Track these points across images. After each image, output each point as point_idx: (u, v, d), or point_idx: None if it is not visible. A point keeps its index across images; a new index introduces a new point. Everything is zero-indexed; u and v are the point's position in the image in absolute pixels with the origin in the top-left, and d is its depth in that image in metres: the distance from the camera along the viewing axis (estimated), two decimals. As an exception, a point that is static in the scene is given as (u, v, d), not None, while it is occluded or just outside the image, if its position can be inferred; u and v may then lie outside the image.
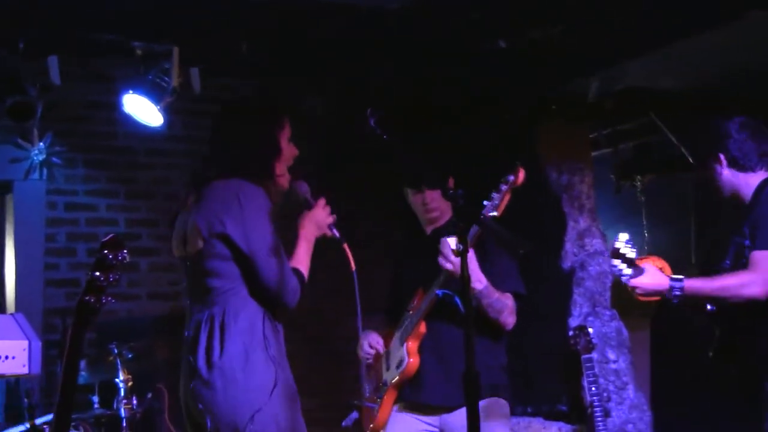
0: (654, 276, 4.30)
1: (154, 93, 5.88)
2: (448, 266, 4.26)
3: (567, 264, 7.23)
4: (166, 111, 6.03)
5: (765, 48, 6.04)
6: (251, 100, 4.09)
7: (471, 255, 4.08)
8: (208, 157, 3.99)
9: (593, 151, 7.80)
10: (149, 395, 5.97)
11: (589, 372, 6.06)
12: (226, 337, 3.68)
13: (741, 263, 4.32)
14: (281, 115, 3.99)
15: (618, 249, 4.28)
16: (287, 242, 3.89)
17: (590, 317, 7.05)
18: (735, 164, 4.45)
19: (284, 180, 3.97)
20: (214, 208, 3.74)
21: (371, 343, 4.77)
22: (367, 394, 4.82)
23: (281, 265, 3.72)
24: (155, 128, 6.20)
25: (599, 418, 5.95)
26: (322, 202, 4.06)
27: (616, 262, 4.31)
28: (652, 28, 5.74)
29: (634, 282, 4.30)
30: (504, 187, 4.07)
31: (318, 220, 4.02)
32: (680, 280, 4.26)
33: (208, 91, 6.20)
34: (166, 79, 5.85)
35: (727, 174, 4.48)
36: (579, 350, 6.11)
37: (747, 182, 4.45)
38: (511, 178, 4.08)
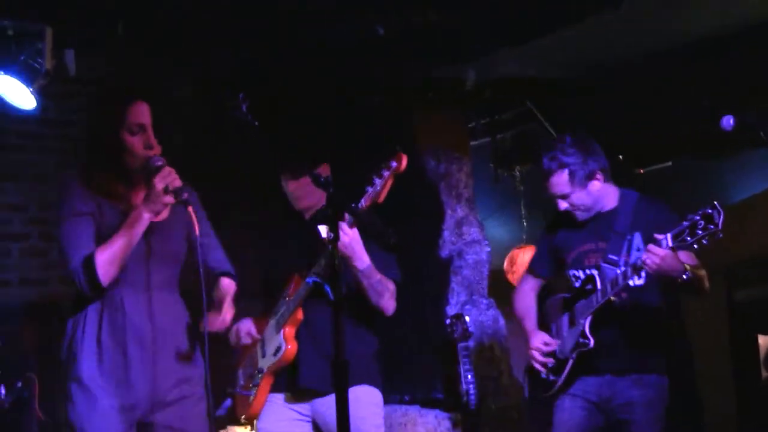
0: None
1: (27, 75, 5.73)
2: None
3: (445, 252, 7.28)
4: (40, 94, 5.87)
5: (621, 43, 6.36)
6: (98, 92, 4.12)
7: (355, 233, 4.23)
8: None
9: (471, 141, 7.87)
10: (19, 384, 5.86)
11: (465, 360, 6.10)
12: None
13: None
14: (119, 107, 3.89)
15: None
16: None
17: (467, 305, 7.11)
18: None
19: (136, 161, 3.93)
20: None
21: (245, 330, 4.72)
22: (242, 382, 4.77)
23: (67, 247, 3.89)
24: (28, 111, 6.03)
25: (474, 406, 6.00)
26: (165, 171, 3.84)
27: None
28: (527, 18, 5.83)
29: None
30: (386, 173, 4.05)
31: (156, 191, 3.82)
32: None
33: (83, 73, 6.08)
34: (39, 60, 5.70)
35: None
36: (455, 338, 6.14)
37: None
38: (394, 164, 4.06)
